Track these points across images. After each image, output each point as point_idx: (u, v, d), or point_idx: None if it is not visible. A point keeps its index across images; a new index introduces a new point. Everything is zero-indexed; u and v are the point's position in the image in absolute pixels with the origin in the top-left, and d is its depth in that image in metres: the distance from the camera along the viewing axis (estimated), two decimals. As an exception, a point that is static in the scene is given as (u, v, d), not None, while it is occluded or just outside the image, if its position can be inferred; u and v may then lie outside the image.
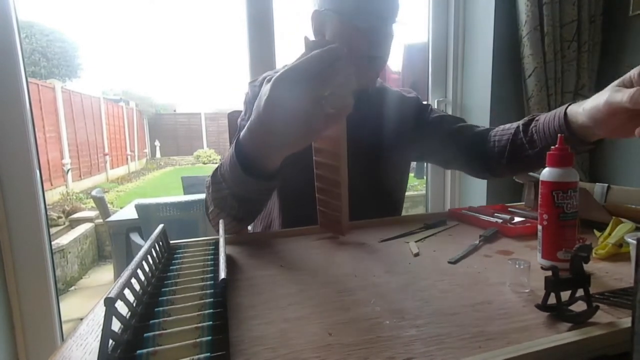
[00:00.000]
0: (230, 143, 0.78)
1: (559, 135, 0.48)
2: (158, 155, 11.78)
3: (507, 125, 0.80)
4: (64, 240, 3.26)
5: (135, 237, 2.15)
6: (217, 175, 0.61)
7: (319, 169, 0.62)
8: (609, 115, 0.52)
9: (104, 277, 3.44)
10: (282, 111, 0.46)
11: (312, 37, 0.77)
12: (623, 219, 0.58)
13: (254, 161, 0.53)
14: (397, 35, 0.76)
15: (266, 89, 0.46)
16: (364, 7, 0.70)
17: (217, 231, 0.70)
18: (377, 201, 0.83)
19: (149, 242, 0.46)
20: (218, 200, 0.62)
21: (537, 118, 0.72)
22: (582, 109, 0.58)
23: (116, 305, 0.30)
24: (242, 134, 0.53)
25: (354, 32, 0.71)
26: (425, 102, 0.92)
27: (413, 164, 1.02)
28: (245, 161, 0.53)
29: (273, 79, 0.45)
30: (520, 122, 0.75)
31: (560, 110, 0.64)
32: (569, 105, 0.63)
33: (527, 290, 0.42)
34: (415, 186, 5.69)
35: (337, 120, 0.48)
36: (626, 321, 0.34)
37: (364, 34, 0.71)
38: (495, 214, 0.74)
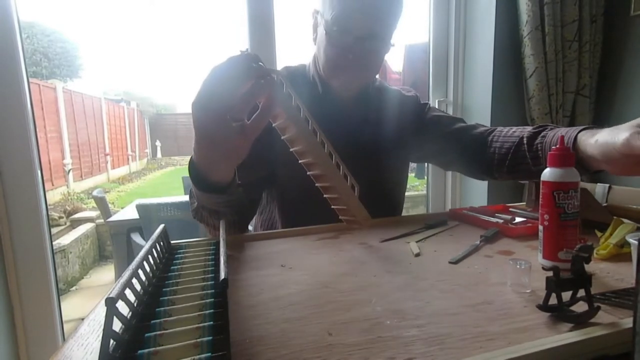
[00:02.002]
0: None
1: (559, 135, 0.48)
2: (159, 155, 11.80)
3: (507, 130, 0.78)
4: (65, 240, 3.27)
5: (136, 237, 2.15)
6: (191, 190, 0.64)
7: (310, 169, 0.60)
8: (624, 156, 0.50)
9: (104, 277, 3.44)
10: (201, 130, 0.49)
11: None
12: (624, 219, 0.58)
13: (204, 175, 0.56)
14: (385, 51, 0.76)
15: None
16: (342, 24, 0.70)
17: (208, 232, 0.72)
18: (376, 202, 0.82)
19: (149, 242, 0.46)
20: (194, 213, 0.67)
21: (543, 134, 0.69)
22: (594, 141, 0.55)
23: (117, 305, 0.30)
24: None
25: (331, 47, 0.73)
26: (423, 102, 0.91)
27: (412, 164, 1.02)
28: (197, 176, 0.56)
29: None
30: (525, 134, 0.73)
31: (570, 135, 0.61)
32: (581, 130, 0.60)
33: (528, 291, 0.42)
34: (416, 186, 5.69)
35: (254, 131, 0.50)
36: (627, 321, 0.34)
37: (341, 50, 0.72)
38: (496, 214, 0.74)
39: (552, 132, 0.68)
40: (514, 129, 0.78)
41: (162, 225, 0.54)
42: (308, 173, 0.59)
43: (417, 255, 0.55)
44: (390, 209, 0.88)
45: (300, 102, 0.55)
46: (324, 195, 0.60)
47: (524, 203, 0.87)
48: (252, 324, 0.37)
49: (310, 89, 0.80)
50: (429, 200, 1.74)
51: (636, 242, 0.42)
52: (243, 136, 0.49)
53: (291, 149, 0.58)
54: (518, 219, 0.70)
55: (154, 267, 0.46)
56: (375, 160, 0.83)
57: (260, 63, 0.48)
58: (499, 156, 0.78)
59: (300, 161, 0.58)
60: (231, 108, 0.47)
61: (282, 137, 0.57)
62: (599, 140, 0.54)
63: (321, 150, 0.56)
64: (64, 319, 1.24)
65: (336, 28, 0.70)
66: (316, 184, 0.59)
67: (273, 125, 0.56)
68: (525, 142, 0.72)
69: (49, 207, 1.24)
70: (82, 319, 0.39)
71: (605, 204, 0.77)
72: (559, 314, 0.36)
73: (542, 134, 0.70)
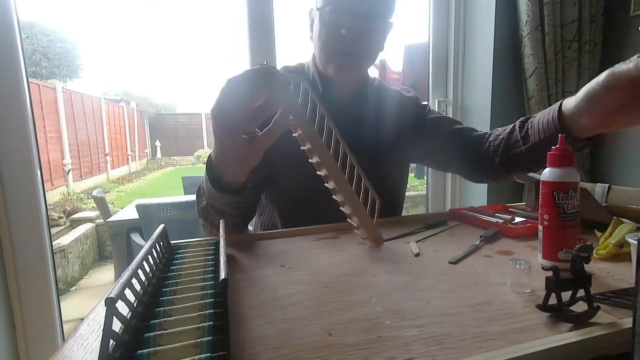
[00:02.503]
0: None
1: (559, 135, 0.48)
2: (159, 155, 11.78)
3: (505, 127, 0.79)
4: (64, 240, 3.27)
5: (136, 237, 2.14)
6: (200, 188, 0.66)
7: (326, 181, 0.58)
8: (608, 90, 0.49)
9: (104, 277, 3.44)
10: (215, 137, 0.51)
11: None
12: (624, 219, 0.58)
13: (220, 176, 0.57)
14: (383, 34, 0.74)
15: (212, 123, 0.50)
16: (334, 2, 0.69)
17: (208, 231, 0.72)
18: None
19: (149, 242, 0.46)
20: (201, 211, 0.68)
21: (534, 115, 0.71)
22: (578, 92, 0.57)
23: (117, 305, 0.30)
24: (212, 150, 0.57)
25: (325, 28, 0.71)
26: (424, 103, 0.91)
27: (413, 164, 1.02)
28: (213, 175, 0.58)
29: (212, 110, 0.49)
30: (517, 121, 0.75)
31: (556, 104, 0.63)
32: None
33: (527, 291, 0.42)
34: (416, 186, 5.69)
35: (264, 143, 0.51)
36: (627, 321, 0.34)
37: (334, 30, 0.70)
38: (496, 214, 0.74)
39: (541, 112, 0.69)
40: (510, 125, 0.78)
41: (161, 225, 0.54)
42: (325, 184, 0.58)
43: (417, 255, 0.55)
44: (390, 209, 0.88)
45: (324, 111, 0.55)
46: (340, 208, 0.59)
47: (524, 203, 0.87)
48: (252, 324, 0.37)
49: (312, 87, 0.79)
50: (429, 200, 1.74)
51: (635, 242, 0.42)
52: (252, 148, 0.50)
53: (309, 160, 0.57)
54: (518, 219, 0.70)
55: (154, 267, 0.46)
56: (376, 160, 0.83)
57: (278, 75, 0.48)
58: (493, 147, 0.78)
59: (317, 172, 0.58)
60: (242, 121, 0.47)
61: (301, 148, 0.57)
62: (583, 89, 0.55)
63: (334, 165, 0.55)
64: (63, 319, 1.24)
65: (329, 7, 0.70)
66: (333, 196, 0.59)
67: (293, 135, 0.55)
68: (517, 126, 0.73)
69: (48, 207, 1.24)
70: (82, 319, 0.39)
71: (604, 204, 0.77)
72: (558, 313, 0.36)
73: (534, 116, 0.72)
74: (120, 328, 0.33)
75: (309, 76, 0.82)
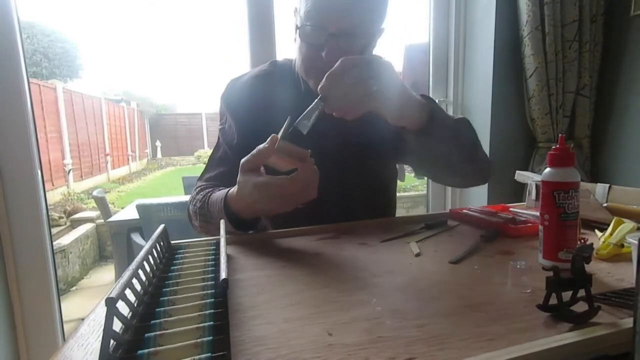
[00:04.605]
0: (215, 149, 0.85)
1: (559, 135, 0.48)
2: (159, 155, 11.79)
3: None
4: (65, 240, 3.27)
5: (136, 237, 2.15)
6: (205, 211, 0.71)
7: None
8: None
9: (105, 277, 3.44)
10: (258, 206, 0.59)
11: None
12: (624, 219, 0.58)
13: (239, 216, 0.63)
14: (368, 49, 0.70)
15: (249, 189, 0.57)
16: (315, 19, 0.66)
17: (204, 233, 0.76)
18: (365, 198, 0.81)
19: (150, 242, 0.46)
20: (206, 228, 0.73)
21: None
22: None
23: (117, 305, 0.30)
24: (229, 195, 0.64)
25: (305, 45, 0.69)
26: None
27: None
28: (233, 217, 0.63)
29: (256, 185, 0.56)
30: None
31: None
32: None
33: (528, 291, 0.42)
34: (416, 186, 5.69)
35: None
36: (628, 321, 0.34)
37: (314, 49, 0.68)
38: (496, 214, 0.74)
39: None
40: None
41: (162, 226, 0.54)
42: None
43: (417, 255, 0.55)
44: (382, 208, 0.86)
45: None
46: None
47: (524, 203, 0.87)
48: (252, 324, 0.37)
49: (296, 85, 0.77)
50: (429, 200, 1.74)
51: (636, 242, 0.42)
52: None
53: None
54: (518, 219, 0.70)
55: (154, 267, 0.46)
56: (363, 158, 0.80)
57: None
58: None
59: None
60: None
61: None
62: None
63: None
64: (64, 319, 1.24)
65: (309, 24, 0.66)
66: None
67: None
68: None
69: (49, 207, 1.24)
70: (82, 319, 0.39)
71: (605, 204, 0.77)
72: (559, 314, 0.36)
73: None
74: (121, 328, 0.33)
75: (294, 72, 0.78)
